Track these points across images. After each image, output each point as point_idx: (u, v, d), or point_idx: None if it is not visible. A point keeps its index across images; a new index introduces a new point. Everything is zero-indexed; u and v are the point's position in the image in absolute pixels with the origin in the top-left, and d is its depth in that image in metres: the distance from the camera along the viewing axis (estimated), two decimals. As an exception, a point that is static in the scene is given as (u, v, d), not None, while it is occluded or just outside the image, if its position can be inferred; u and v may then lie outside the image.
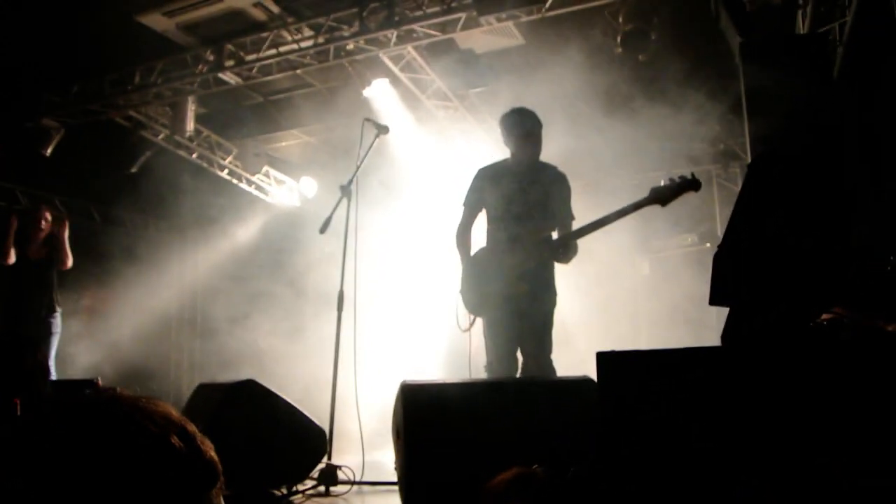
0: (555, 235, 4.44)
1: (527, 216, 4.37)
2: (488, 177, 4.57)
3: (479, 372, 5.96)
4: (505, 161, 4.62)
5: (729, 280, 2.49)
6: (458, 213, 4.63)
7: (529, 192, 4.40)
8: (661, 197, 4.07)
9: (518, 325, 4.28)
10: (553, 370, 4.32)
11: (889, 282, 3.60)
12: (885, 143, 4.29)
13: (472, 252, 4.54)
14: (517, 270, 4.30)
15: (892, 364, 2.56)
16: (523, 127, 4.46)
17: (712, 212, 9.25)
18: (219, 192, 10.33)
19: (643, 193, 9.20)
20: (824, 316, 3.38)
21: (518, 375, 4.34)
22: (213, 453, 0.97)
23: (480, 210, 4.60)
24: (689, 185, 4.01)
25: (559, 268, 4.49)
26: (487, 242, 4.53)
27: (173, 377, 11.25)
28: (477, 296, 4.39)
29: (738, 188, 9.07)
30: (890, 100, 4.43)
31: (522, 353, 4.37)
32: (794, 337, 2.70)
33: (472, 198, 4.59)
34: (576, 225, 4.42)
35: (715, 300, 2.58)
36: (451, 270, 4.61)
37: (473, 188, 4.60)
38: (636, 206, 4.12)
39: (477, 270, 4.43)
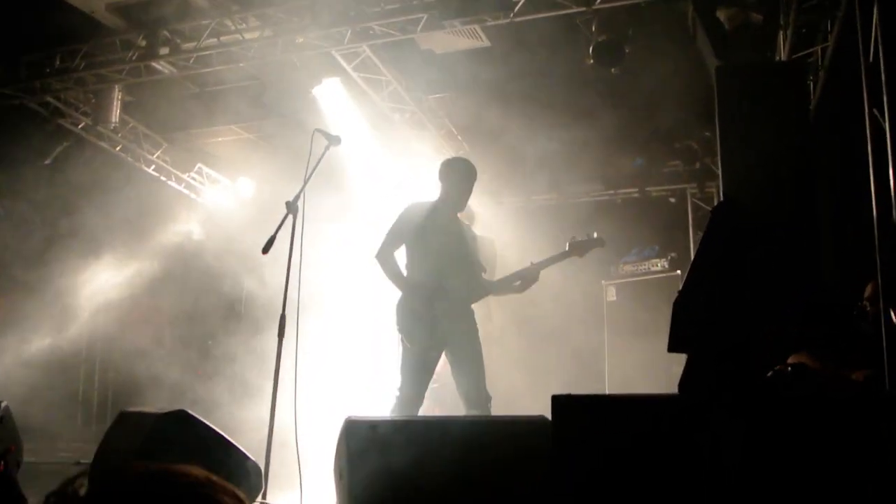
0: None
1: (461, 260, 5.02)
2: (424, 214, 5.05)
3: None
4: (436, 202, 5.13)
5: (688, 328, 2.75)
6: (380, 238, 5.06)
7: (462, 238, 5.08)
8: (578, 250, 5.11)
9: (429, 370, 4.93)
10: (489, 397, 4.90)
11: (854, 328, 3.93)
12: (858, 181, 4.63)
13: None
14: (452, 313, 4.91)
15: (858, 415, 2.83)
16: (471, 179, 5.12)
17: (686, 234, 9.61)
18: (143, 189, 10.35)
19: (614, 210, 9.52)
20: (789, 360, 3.68)
21: (466, 411, 4.85)
22: None
23: (403, 242, 5.06)
24: (597, 242, 5.15)
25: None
26: (419, 281, 4.96)
27: (82, 399, 11.17)
28: (412, 329, 4.88)
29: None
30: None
31: (467, 388, 4.90)
32: (753, 387, 2.96)
33: (399, 229, 5.04)
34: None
35: (673, 347, 2.83)
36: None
37: (402, 220, 5.05)
38: (560, 258, 5.12)
39: (412, 308, 4.89)
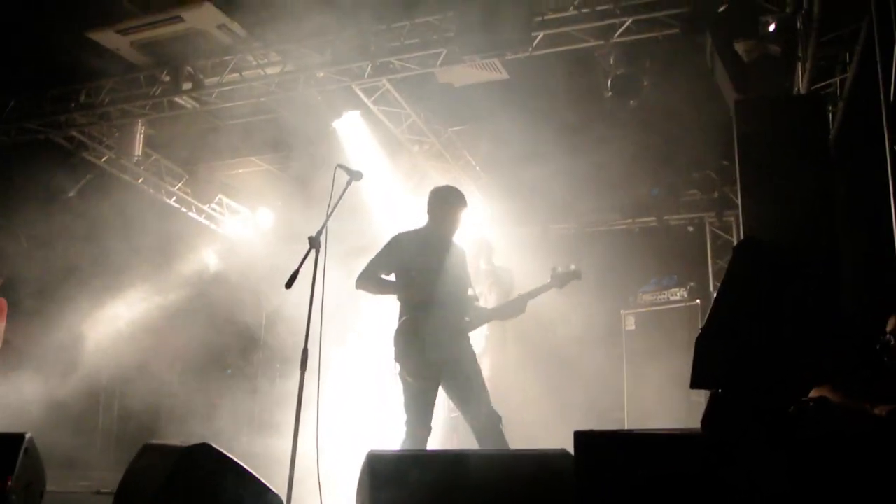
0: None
1: (452, 287, 5.01)
2: (412, 243, 5.08)
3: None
4: (425, 230, 5.16)
5: (712, 364, 2.75)
6: (361, 265, 5.07)
7: (453, 265, 5.07)
8: (558, 282, 5.27)
9: (430, 401, 4.90)
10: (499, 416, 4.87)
11: (876, 362, 3.91)
12: (878, 212, 4.62)
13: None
14: (448, 340, 4.91)
15: (881, 449, 2.82)
16: (456, 205, 5.11)
17: (705, 264, 9.60)
18: (165, 221, 10.47)
19: (632, 239, 9.50)
20: (811, 395, 3.66)
21: (478, 437, 4.86)
22: None
23: (389, 271, 5.08)
24: (574, 274, 5.32)
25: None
26: (412, 311, 4.97)
27: (102, 427, 11.22)
28: (411, 363, 4.88)
29: (732, 238, 9.47)
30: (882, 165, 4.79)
31: (474, 413, 4.88)
32: (777, 423, 2.96)
33: (386, 259, 5.08)
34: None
35: (696, 383, 2.83)
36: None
37: (390, 250, 5.09)
38: (544, 289, 5.27)
39: (407, 339, 4.92)
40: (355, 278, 5.04)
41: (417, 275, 4.99)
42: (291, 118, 8.40)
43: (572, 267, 5.33)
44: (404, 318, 4.97)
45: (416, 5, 6.62)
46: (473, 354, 5.06)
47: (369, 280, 5.02)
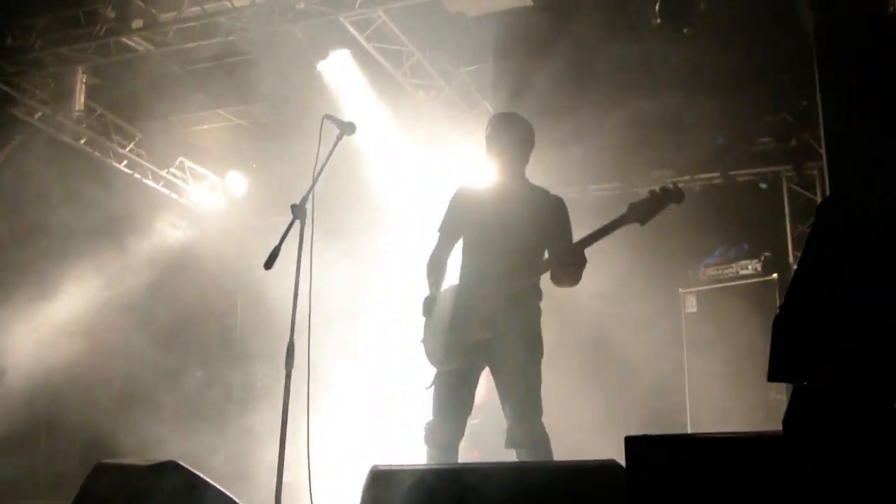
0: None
1: (506, 248, 4.76)
2: (468, 197, 5.00)
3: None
4: (488, 179, 5.03)
5: (793, 352, 2.74)
6: (432, 240, 5.03)
7: (513, 219, 4.79)
8: (639, 214, 4.55)
9: (456, 394, 4.74)
10: (546, 437, 4.66)
11: None
12: None
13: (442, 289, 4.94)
14: (485, 316, 4.70)
15: None
16: (503, 138, 4.91)
17: (782, 229, 9.53)
18: (114, 190, 10.48)
19: (691, 201, 9.55)
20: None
21: (506, 446, 4.69)
22: None
23: (459, 238, 5.01)
24: (668, 196, 4.57)
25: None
26: (459, 280, 4.93)
27: (44, 444, 11.29)
28: (435, 344, 4.80)
29: (816, 196, 9.41)
30: None
31: (506, 416, 4.73)
32: (876, 423, 2.95)
33: (449, 222, 5.01)
34: None
35: (775, 375, 2.82)
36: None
37: (451, 210, 5.02)
38: (611, 228, 4.58)
39: (439, 314, 4.83)
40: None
41: (468, 237, 4.92)
42: (267, 61, 8.38)
43: (668, 185, 4.61)
44: (445, 288, 4.87)
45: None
46: (530, 335, 4.77)
47: (431, 267, 4.94)
